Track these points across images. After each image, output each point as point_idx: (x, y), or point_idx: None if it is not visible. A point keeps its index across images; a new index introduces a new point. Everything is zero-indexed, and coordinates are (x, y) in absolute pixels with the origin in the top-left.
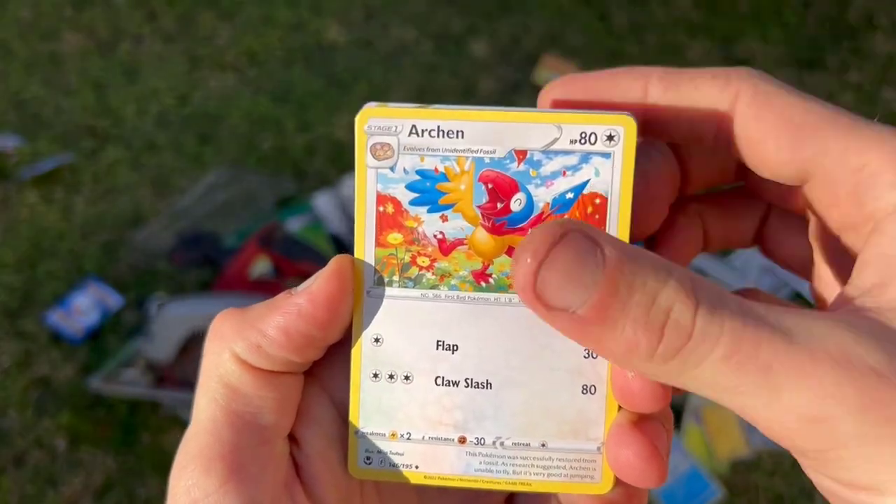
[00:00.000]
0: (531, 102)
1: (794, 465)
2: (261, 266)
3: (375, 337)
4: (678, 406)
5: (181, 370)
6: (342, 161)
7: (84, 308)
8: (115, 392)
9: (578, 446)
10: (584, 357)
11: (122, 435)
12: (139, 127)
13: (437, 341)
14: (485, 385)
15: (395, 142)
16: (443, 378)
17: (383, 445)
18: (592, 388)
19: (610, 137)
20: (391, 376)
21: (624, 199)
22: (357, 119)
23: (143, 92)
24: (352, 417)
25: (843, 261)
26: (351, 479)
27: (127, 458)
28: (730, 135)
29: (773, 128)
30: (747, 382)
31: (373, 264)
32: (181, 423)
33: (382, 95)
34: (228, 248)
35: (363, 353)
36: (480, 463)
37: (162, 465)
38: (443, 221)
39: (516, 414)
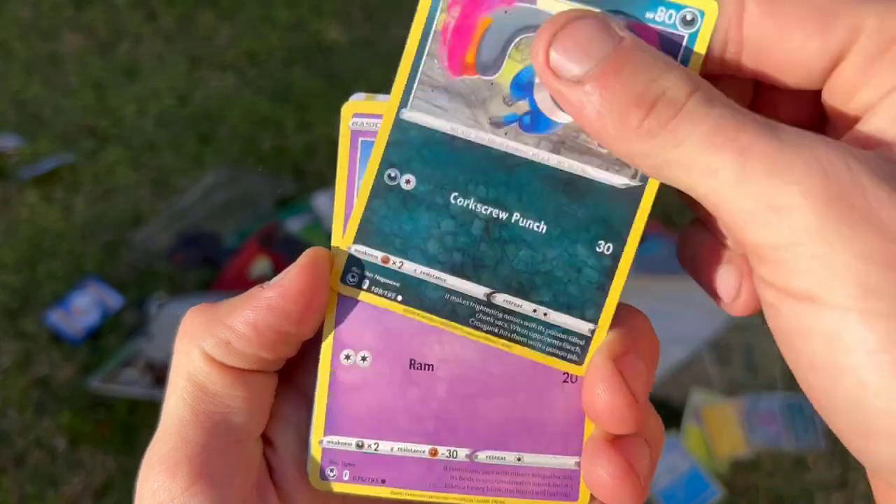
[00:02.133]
0: None
1: (795, 465)
2: (261, 266)
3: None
4: (678, 406)
5: None
6: None
7: (84, 308)
8: (114, 392)
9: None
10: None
11: (122, 435)
12: (139, 127)
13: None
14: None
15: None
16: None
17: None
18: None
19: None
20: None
21: None
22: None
23: (143, 92)
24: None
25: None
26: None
27: (127, 459)
28: (739, 43)
29: (796, 17)
30: (722, 162)
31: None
32: None
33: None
34: (228, 249)
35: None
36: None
37: None
38: None
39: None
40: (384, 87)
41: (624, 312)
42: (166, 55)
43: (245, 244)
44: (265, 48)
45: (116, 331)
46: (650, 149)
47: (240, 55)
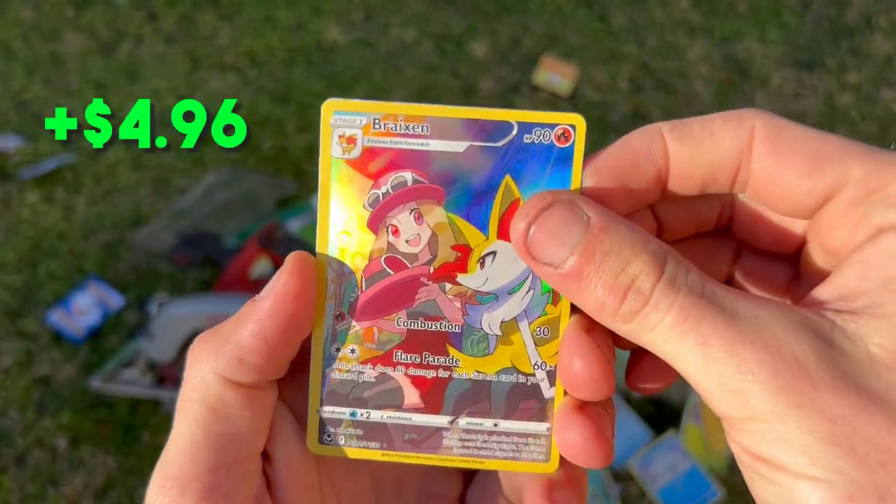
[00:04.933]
0: (530, 103)
1: None
2: (261, 266)
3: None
4: (678, 406)
5: (182, 370)
6: None
7: (85, 308)
8: (115, 392)
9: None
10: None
11: (123, 434)
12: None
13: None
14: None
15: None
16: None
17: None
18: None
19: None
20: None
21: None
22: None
23: (144, 92)
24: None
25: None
26: (313, 488)
27: (127, 458)
28: (747, 173)
29: (791, 159)
30: (686, 351)
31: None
32: None
33: (382, 95)
34: (229, 249)
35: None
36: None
37: None
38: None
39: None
40: (384, 87)
41: None
42: (167, 55)
43: (245, 244)
44: (265, 48)
45: (117, 331)
46: (629, 331)
47: (240, 55)
